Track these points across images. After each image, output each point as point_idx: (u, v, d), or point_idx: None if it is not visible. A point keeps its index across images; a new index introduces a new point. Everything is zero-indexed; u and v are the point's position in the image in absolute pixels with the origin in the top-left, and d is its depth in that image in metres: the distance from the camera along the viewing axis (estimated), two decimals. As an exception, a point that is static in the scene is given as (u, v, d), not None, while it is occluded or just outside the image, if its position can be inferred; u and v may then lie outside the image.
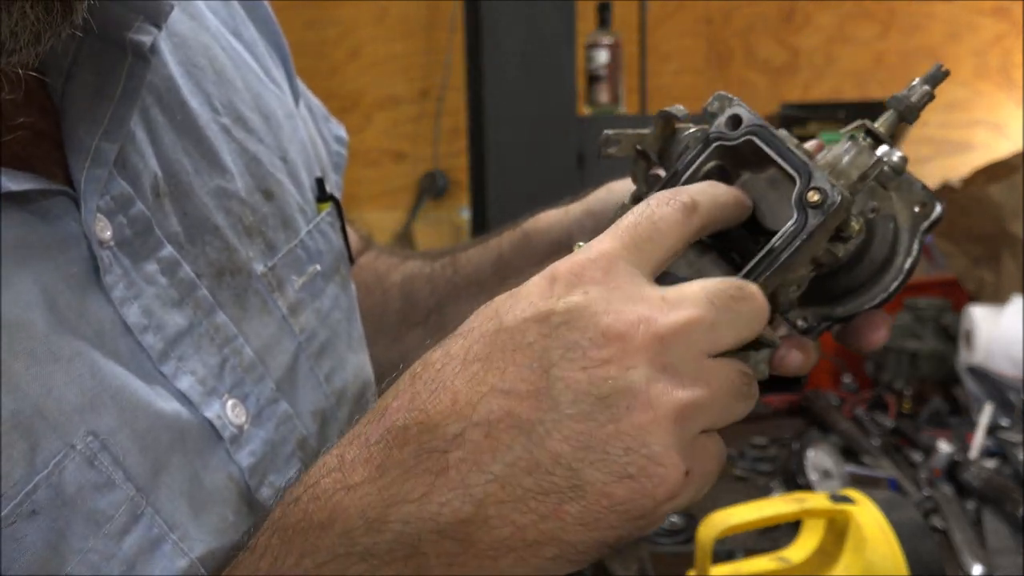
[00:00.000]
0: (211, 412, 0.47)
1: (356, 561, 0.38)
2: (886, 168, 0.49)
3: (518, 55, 1.71)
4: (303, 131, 0.64)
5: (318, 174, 0.63)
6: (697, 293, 0.39)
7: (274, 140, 0.58)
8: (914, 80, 0.50)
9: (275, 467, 0.51)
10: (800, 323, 0.52)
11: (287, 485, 0.43)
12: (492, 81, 1.71)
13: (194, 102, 0.53)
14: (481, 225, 1.78)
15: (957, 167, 2.33)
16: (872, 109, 1.10)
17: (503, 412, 0.37)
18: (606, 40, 1.86)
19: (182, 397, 0.47)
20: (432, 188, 2.60)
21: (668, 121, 0.52)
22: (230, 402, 0.49)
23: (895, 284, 0.51)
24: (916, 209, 0.52)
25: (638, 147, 0.53)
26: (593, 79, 1.87)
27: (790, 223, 0.45)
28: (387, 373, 0.77)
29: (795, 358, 0.49)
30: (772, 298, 0.47)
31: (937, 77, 0.50)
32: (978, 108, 2.76)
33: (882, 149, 0.49)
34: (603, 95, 1.86)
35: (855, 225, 0.47)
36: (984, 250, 1.54)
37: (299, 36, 2.46)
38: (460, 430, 0.37)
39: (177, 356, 0.47)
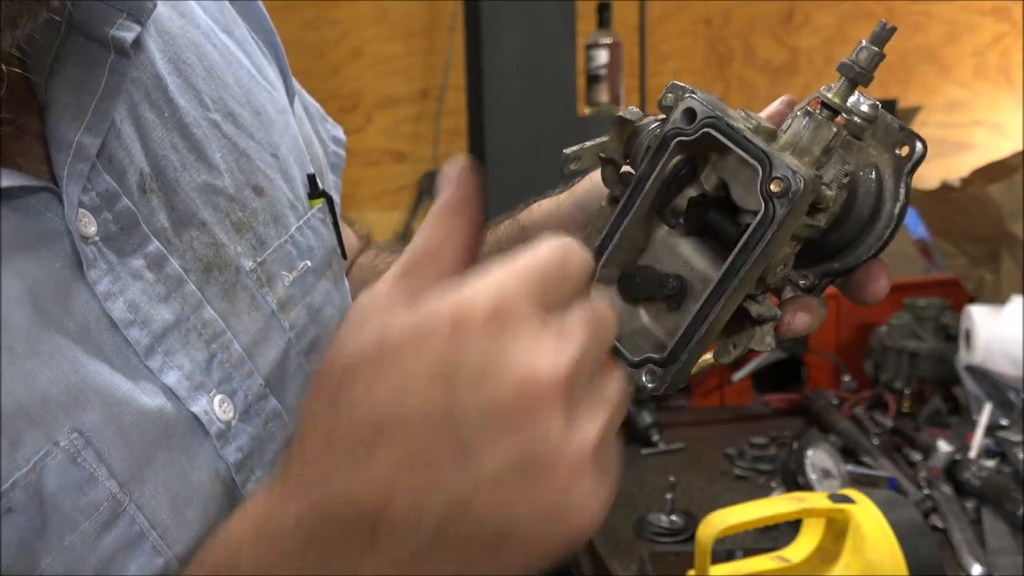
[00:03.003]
0: (198, 407, 0.47)
1: None
2: (856, 120, 0.49)
3: (518, 55, 1.71)
4: (296, 128, 0.64)
5: (310, 171, 0.63)
6: (576, 323, 0.38)
7: (265, 136, 0.58)
8: (861, 42, 0.49)
9: (262, 463, 0.51)
10: (802, 282, 0.52)
11: None
12: (492, 81, 1.71)
13: (183, 99, 0.53)
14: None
15: (957, 167, 2.33)
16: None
17: (427, 475, 0.36)
18: (606, 40, 1.86)
19: (168, 392, 0.46)
20: (432, 188, 2.60)
21: (624, 125, 0.52)
22: (217, 397, 0.49)
23: (888, 231, 0.51)
24: (897, 151, 0.51)
25: (601, 155, 0.53)
26: (593, 79, 1.87)
27: (758, 216, 0.45)
28: None
29: (801, 320, 0.49)
30: (760, 281, 0.48)
31: (882, 36, 0.49)
32: (978, 108, 2.76)
33: (852, 99, 0.49)
34: (603, 95, 1.86)
35: (829, 194, 0.47)
36: (984, 250, 1.54)
37: (299, 36, 2.46)
38: (384, 502, 0.36)
39: (164, 351, 0.47)
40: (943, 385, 1.47)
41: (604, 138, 0.53)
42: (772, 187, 0.44)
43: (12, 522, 0.39)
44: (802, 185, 0.44)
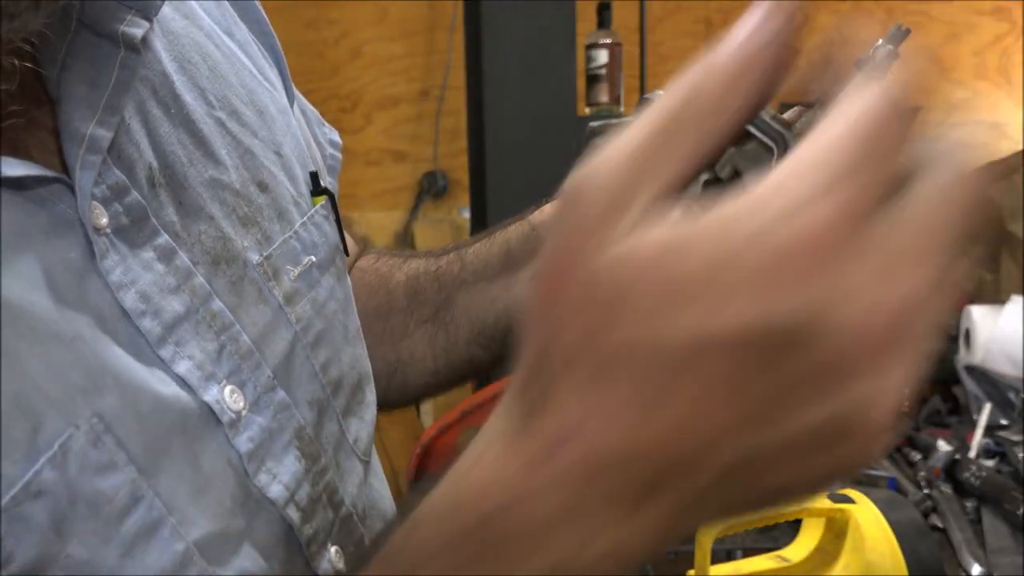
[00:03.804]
0: (210, 396, 0.48)
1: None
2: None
3: (518, 55, 1.71)
4: (297, 128, 0.64)
5: (312, 168, 0.63)
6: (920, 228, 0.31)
7: (268, 134, 0.59)
8: (877, 40, 0.50)
9: (273, 454, 0.51)
10: None
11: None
12: (492, 81, 1.71)
13: (188, 96, 0.54)
14: (481, 225, 1.79)
15: (957, 167, 2.32)
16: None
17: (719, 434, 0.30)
18: (606, 40, 1.86)
19: (181, 381, 0.47)
20: (432, 188, 2.60)
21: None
22: (228, 388, 0.49)
23: None
24: None
25: None
26: (593, 79, 1.87)
27: None
28: (395, 371, 0.78)
29: None
30: None
31: (898, 36, 0.50)
32: (978, 108, 2.76)
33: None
34: (603, 95, 1.86)
35: None
36: (984, 250, 1.54)
37: (299, 36, 2.47)
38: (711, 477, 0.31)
39: (175, 341, 0.47)
40: (943, 385, 1.48)
41: (629, 118, 0.54)
42: None
43: (43, 504, 0.40)
44: None
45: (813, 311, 0.28)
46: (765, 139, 0.45)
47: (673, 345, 0.28)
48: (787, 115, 0.54)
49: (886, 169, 0.30)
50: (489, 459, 0.33)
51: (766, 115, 0.47)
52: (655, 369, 0.29)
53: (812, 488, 0.31)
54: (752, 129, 0.46)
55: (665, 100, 0.33)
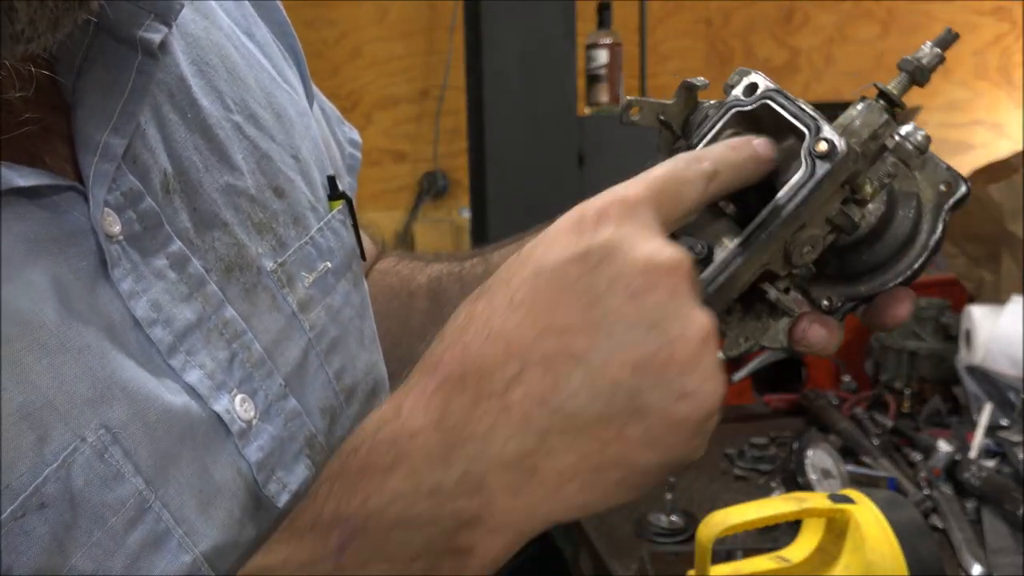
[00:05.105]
0: (219, 406, 0.48)
1: (422, 499, 0.40)
2: (909, 147, 0.50)
3: (518, 55, 1.71)
4: (316, 130, 0.64)
5: (330, 172, 0.63)
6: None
7: (286, 138, 0.59)
8: (924, 43, 0.51)
9: (283, 463, 0.51)
10: (824, 303, 0.52)
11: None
12: (492, 81, 1.71)
13: (205, 100, 0.53)
14: (481, 225, 1.78)
15: (957, 167, 2.32)
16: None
17: (559, 348, 0.39)
18: (606, 40, 1.86)
19: (191, 391, 0.47)
20: (432, 188, 2.60)
21: (691, 91, 0.53)
22: (239, 397, 0.49)
23: (920, 261, 0.51)
24: (941, 188, 0.52)
25: (661, 117, 0.53)
26: (593, 79, 1.87)
27: (798, 173, 0.45)
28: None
29: (817, 332, 0.50)
30: (785, 256, 0.48)
31: (947, 40, 0.51)
32: (978, 108, 2.76)
33: (908, 128, 0.50)
34: (603, 95, 1.86)
35: (868, 188, 0.48)
36: (984, 250, 1.54)
37: (299, 36, 2.46)
38: (518, 371, 0.39)
39: (186, 350, 0.47)
40: (943, 385, 1.47)
41: (667, 100, 0.53)
42: (817, 147, 0.45)
43: (45, 517, 0.40)
44: (845, 148, 0.45)
45: (615, 241, 0.40)
46: (798, 124, 0.46)
47: (502, 300, 0.41)
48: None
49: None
50: (384, 404, 0.43)
51: (803, 104, 0.47)
52: (494, 310, 0.41)
53: (645, 460, 0.40)
54: (786, 114, 0.46)
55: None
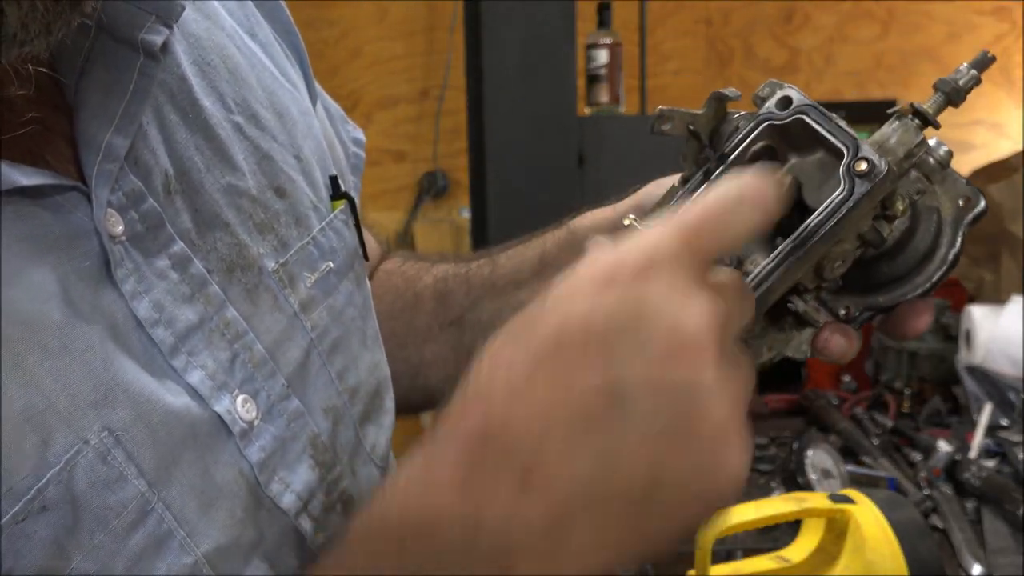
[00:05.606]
0: (221, 407, 0.48)
1: (450, 565, 0.39)
2: (931, 161, 0.50)
3: (518, 55, 1.71)
4: (319, 130, 0.64)
5: (333, 172, 0.63)
6: (734, 282, 0.43)
7: (288, 138, 0.59)
8: (961, 65, 0.52)
9: (285, 463, 0.51)
10: (843, 312, 0.53)
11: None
12: (492, 81, 1.71)
13: (207, 100, 0.53)
14: (481, 225, 1.78)
15: (957, 167, 2.32)
16: (872, 109, 1.10)
17: (580, 421, 0.38)
18: (606, 40, 1.86)
19: (192, 391, 0.47)
20: (432, 188, 2.60)
21: (721, 102, 0.53)
22: (240, 397, 0.49)
23: (939, 273, 0.52)
24: (960, 203, 0.53)
25: (690, 127, 0.53)
26: (593, 79, 1.87)
27: (837, 192, 0.46)
28: (419, 373, 0.77)
29: (838, 342, 0.50)
30: (817, 271, 0.49)
31: (984, 62, 0.52)
32: (978, 108, 2.76)
33: (932, 141, 0.51)
34: (603, 95, 1.86)
35: (900, 205, 0.48)
36: (984, 250, 1.54)
37: (299, 36, 2.46)
38: (538, 444, 0.38)
39: (187, 351, 0.47)
40: (943, 385, 1.48)
41: (697, 111, 0.53)
42: (857, 166, 0.45)
43: (46, 520, 0.39)
44: (886, 168, 0.45)
45: (637, 304, 0.38)
46: (836, 142, 0.46)
47: (523, 366, 0.39)
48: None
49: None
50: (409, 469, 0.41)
51: (839, 121, 0.47)
52: (518, 375, 0.39)
53: (687, 506, 0.38)
54: (823, 132, 0.46)
55: None
